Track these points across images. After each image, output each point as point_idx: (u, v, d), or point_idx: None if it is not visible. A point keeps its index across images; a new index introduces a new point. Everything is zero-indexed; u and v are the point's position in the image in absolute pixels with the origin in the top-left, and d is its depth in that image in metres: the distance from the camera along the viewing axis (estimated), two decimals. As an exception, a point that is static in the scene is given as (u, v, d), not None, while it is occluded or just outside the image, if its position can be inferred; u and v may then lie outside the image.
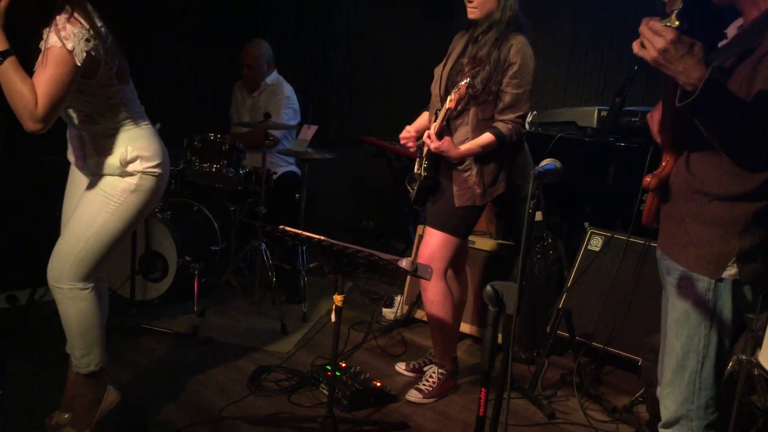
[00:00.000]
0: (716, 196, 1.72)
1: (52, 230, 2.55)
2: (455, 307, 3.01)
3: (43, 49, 2.04)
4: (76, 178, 2.43)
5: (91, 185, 2.32)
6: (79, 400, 2.41)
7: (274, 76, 4.46)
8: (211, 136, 3.88)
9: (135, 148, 2.30)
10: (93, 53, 2.08)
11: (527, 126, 4.28)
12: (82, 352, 2.34)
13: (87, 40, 2.06)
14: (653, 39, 1.49)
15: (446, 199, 2.87)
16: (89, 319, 2.33)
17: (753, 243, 1.72)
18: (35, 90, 1.99)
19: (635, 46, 1.53)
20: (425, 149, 2.89)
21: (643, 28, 1.51)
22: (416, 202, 3.01)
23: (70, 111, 2.23)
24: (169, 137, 3.97)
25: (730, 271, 1.73)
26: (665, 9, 1.49)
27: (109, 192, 2.28)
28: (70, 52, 2.02)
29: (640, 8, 4.76)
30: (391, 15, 5.89)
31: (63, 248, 2.28)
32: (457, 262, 3.05)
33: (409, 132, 2.98)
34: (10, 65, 1.99)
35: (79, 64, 2.05)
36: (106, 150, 2.28)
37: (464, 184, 2.82)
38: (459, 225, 2.87)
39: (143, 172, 2.31)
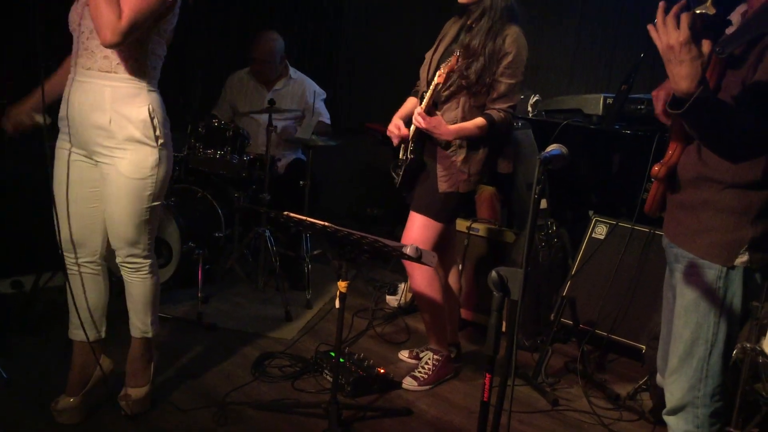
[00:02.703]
0: (730, 184, 1.71)
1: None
2: (444, 292, 2.99)
3: None
4: (75, 164, 2.39)
5: (116, 174, 2.31)
6: (136, 361, 2.58)
7: (292, 71, 4.49)
8: (215, 122, 3.87)
9: (156, 111, 2.35)
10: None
11: (529, 108, 4.27)
12: (152, 318, 2.56)
13: None
14: (669, 31, 1.49)
15: (430, 183, 2.85)
16: (157, 288, 2.56)
17: (765, 230, 1.72)
18: (122, 7, 2.11)
19: (650, 28, 1.52)
20: (411, 131, 2.86)
21: (668, 17, 1.49)
22: (402, 188, 2.99)
23: (110, 50, 2.23)
24: (173, 123, 4.01)
25: (742, 258, 1.73)
26: None
27: (141, 176, 2.33)
28: None
29: (647, -5, 4.73)
30: (399, 4, 5.85)
31: (125, 235, 2.39)
32: (443, 247, 3.03)
33: (398, 127, 2.91)
34: None
35: (170, 1, 2.22)
36: (129, 104, 2.29)
37: (449, 169, 2.80)
38: (441, 210, 2.84)
39: (163, 144, 2.37)
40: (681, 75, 1.51)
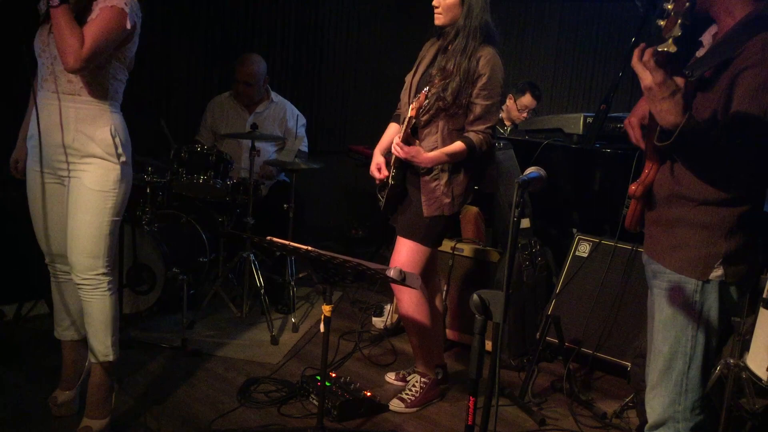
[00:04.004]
0: (701, 201, 1.75)
1: (38, 245, 2.55)
2: (431, 315, 3.00)
3: (97, 6, 2.30)
4: (47, 185, 2.48)
5: (80, 186, 2.39)
6: (98, 390, 2.53)
7: (273, 94, 4.50)
8: (198, 147, 3.87)
9: (117, 131, 2.44)
10: (137, 25, 2.38)
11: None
12: (113, 339, 2.53)
13: (136, 13, 2.37)
14: (643, 74, 1.56)
15: (414, 208, 2.86)
16: (116, 308, 2.54)
17: (738, 244, 1.75)
18: (84, 36, 2.22)
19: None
20: (393, 156, 2.87)
21: (634, 62, 1.56)
22: (386, 211, 3.00)
23: (73, 74, 2.34)
24: (155, 148, 4.01)
25: (717, 272, 1.77)
26: (662, 33, 1.52)
27: (103, 188, 2.40)
28: (127, 14, 2.30)
29: (624, 16, 4.82)
30: (380, 25, 5.91)
31: (87, 248, 2.41)
32: (430, 270, 3.04)
33: (379, 169, 2.94)
34: (67, 9, 2.23)
35: (128, 27, 2.32)
36: (92, 124, 2.39)
37: (432, 193, 2.81)
38: (427, 234, 2.85)
39: (125, 162, 2.45)
40: (665, 110, 1.57)
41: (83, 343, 2.64)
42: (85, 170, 2.40)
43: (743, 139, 1.64)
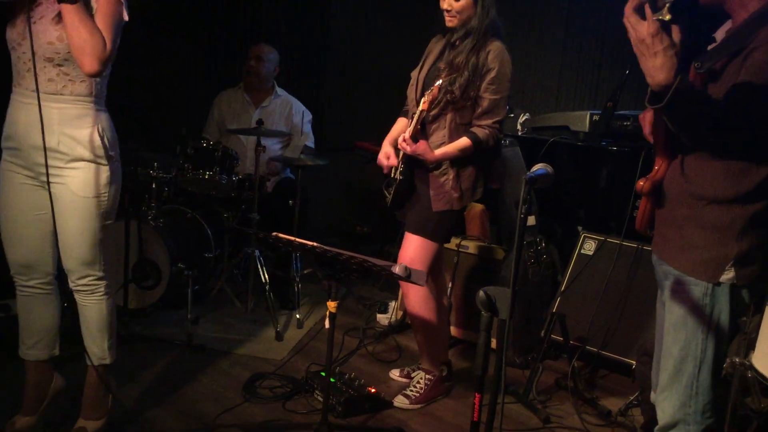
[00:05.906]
0: (712, 200, 1.71)
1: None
2: (438, 312, 3.00)
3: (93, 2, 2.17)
4: (23, 186, 2.33)
5: (67, 192, 2.25)
6: (94, 391, 2.49)
7: (278, 88, 4.50)
8: (204, 142, 3.87)
9: (105, 130, 2.30)
10: (127, 18, 2.23)
11: (519, 126, 4.31)
12: (110, 343, 2.47)
13: (128, 4, 2.24)
14: (637, 27, 1.49)
15: (423, 204, 2.86)
16: (113, 311, 2.48)
17: (750, 245, 1.71)
18: (102, 35, 2.11)
19: (625, 22, 1.54)
20: (401, 152, 2.88)
21: (627, 13, 1.50)
22: (393, 207, 3.00)
23: (54, 73, 2.20)
24: (161, 144, 4.01)
25: (728, 274, 1.73)
26: (656, 2, 1.50)
27: (92, 194, 2.28)
28: (124, 6, 2.19)
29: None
30: (386, 22, 5.90)
31: (80, 257, 2.32)
32: (437, 267, 3.04)
33: (387, 157, 2.93)
34: (82, 6, 2.09)
35: (126, 19, 2.20)
36: (77, 125, 2.24)
37: (441, 188, 2.81)
38: (436, 229, 2.85)
39: (113, 159, 2.33)
40: (656, 67, 1.49)
41: (49, 363, 2.52)
42: (72, 176, 2.25)
43: (748, 115, 1.59)
